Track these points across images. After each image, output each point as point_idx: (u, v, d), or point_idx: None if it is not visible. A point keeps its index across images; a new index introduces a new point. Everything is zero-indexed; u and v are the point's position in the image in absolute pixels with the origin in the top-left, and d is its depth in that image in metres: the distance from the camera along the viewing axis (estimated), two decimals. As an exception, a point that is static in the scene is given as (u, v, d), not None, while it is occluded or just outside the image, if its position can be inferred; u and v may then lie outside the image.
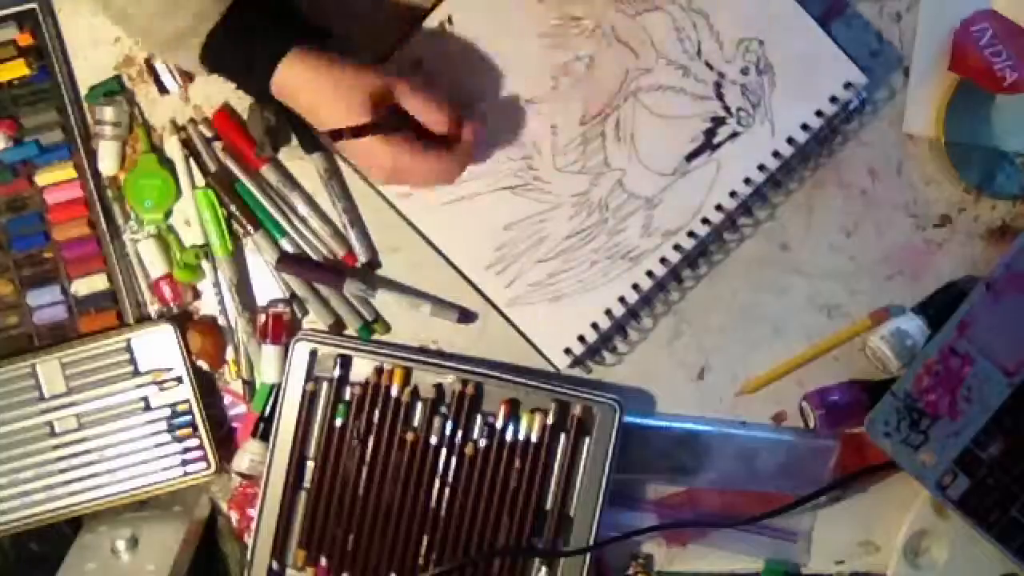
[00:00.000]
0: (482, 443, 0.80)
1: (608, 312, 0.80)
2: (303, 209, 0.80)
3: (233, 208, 0.80)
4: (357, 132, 0.69)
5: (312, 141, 0.79)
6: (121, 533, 0.79)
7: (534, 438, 0.80)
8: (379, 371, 0.81)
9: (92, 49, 0.80)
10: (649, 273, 0.80)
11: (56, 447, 0.80)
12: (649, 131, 0.80)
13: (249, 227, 0.80)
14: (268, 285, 0.82)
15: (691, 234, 0.80)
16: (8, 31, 0.78)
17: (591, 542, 0.80)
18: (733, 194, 0.80)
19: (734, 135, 0.80)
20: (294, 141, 0.80)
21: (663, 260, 0.80)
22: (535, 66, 0.79)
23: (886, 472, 0.82)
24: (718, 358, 0.84)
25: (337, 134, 0.69)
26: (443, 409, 0.81)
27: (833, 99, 0.80)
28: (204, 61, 0.69)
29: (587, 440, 0.80)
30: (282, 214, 0.80)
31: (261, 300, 0.82)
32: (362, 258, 0.81)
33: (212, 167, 0.80)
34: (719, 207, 0.80)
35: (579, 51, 0.79)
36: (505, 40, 0.79)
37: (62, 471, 0.80)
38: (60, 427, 0.80)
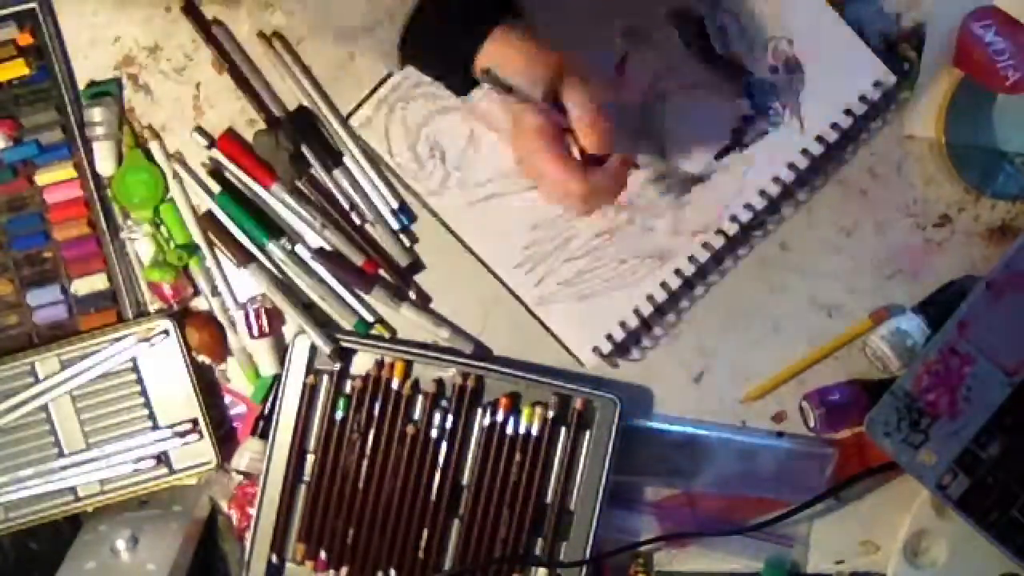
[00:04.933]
0: (483, 437, 0.80)
1: (636, 311, 0.81)
2: (317, 220, 0.80)
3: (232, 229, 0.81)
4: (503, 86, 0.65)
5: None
6: (121, 533, 0.80)
7: (535, 432, 0.80)
8: (379, 364, 0.81)
9: (92, 49, 0.80)
10: (677, 271, 0.80)
11: (55, 444, 0.80)
12: (678, 131, 0.79)
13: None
14: (254, 287, 0.82)
15: (720, 232, 0.80)
16: (8, 31, 0.78)
17: (591, 537, 0.80)
18: (762, 193, 0.80)
19: (763, 134, 0.80)
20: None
21: (691, 258, 0.80)
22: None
23: (886, 473, 0.82)
24: (718, 358, 0.84)
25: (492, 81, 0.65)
26: (444, 403, 0.81)
27: (863, 98, 0.80)
28: (403, 44, 0.66)
29: (587, 434, 0.80)
30: (302, 223, 0.81)
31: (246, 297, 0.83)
32: (402, 262, 0.81)
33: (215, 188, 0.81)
34: (748, 206, 0.80)
35: (613, 49, 0.79)
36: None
37: (63, 468, 0.80)
38: (59, 423, 0.80)
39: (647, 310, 0.81)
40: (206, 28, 0.80)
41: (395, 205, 0.81)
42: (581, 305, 0.81)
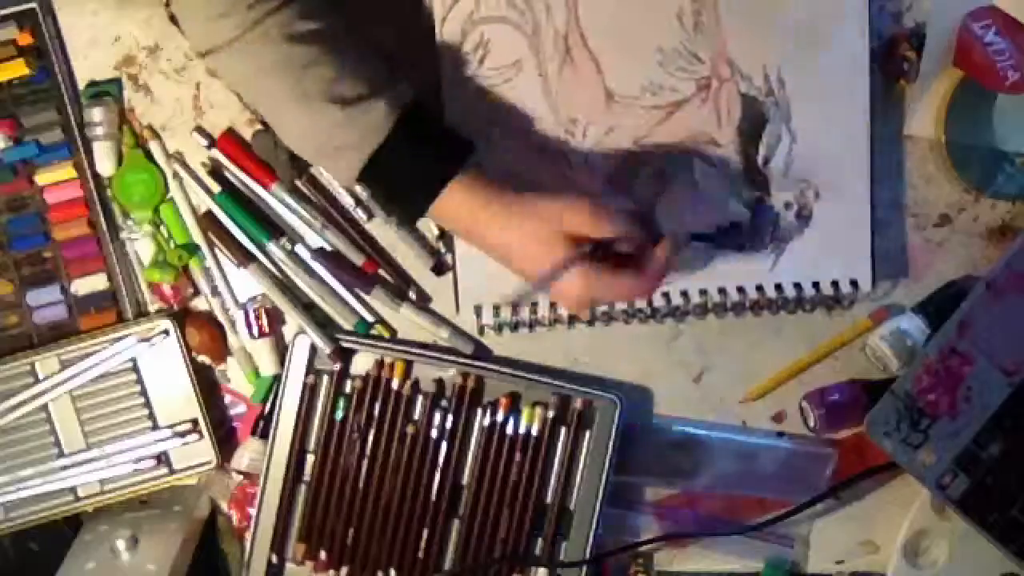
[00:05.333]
0: (483, 437, 0.80)
1: (535, 304, 0.80)
2: (317, 220, 0.80)
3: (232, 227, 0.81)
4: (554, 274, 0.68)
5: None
6: (121, 533, 0.79)
7: (535, 432, 0.80)
8: (380, 364, 0.81)
9: (92, 49, 0.80)
10: None
11: (55, 444, 0.80)
12: (678, 189, 0.79)
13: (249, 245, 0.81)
14: (254, 287, 0.82)
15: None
16: (8, 31, 0.78)
17: (591, 537, 0.80)
18: (703, 292, 0.81)
19: (740, 247, 0.80)
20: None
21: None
22: (634, 68, 0.78)
23: (886, 473, 0.82)
24: (718, 358, 0.84)
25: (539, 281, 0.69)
26: (444, 403, 0.81)
27: (834, 283, 0.81)
28: (361, 177, 0.70)
29: (587, 434, 0.80)
30: (302, 223, 0.81)
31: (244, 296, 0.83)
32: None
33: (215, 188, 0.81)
34: (684, 293, 0.81)
35: (677, 86, 0.79)
36: (629, 28, 0.78)
37: (63, 468, 0.80)
38: (60, 424, 0.80)
39: (543, 310, 0.80)
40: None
41: None
42: (494, 268, 0.75)
